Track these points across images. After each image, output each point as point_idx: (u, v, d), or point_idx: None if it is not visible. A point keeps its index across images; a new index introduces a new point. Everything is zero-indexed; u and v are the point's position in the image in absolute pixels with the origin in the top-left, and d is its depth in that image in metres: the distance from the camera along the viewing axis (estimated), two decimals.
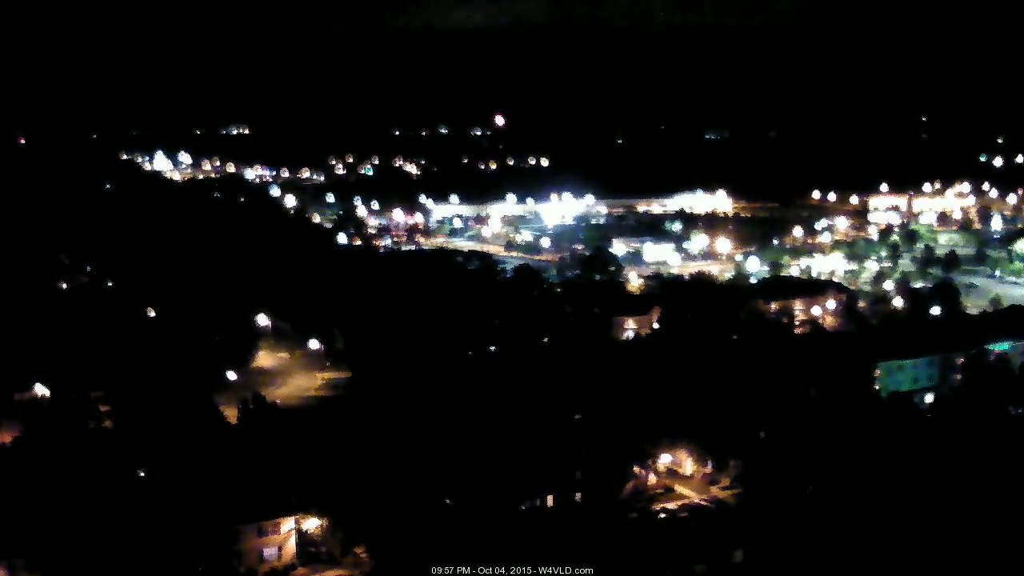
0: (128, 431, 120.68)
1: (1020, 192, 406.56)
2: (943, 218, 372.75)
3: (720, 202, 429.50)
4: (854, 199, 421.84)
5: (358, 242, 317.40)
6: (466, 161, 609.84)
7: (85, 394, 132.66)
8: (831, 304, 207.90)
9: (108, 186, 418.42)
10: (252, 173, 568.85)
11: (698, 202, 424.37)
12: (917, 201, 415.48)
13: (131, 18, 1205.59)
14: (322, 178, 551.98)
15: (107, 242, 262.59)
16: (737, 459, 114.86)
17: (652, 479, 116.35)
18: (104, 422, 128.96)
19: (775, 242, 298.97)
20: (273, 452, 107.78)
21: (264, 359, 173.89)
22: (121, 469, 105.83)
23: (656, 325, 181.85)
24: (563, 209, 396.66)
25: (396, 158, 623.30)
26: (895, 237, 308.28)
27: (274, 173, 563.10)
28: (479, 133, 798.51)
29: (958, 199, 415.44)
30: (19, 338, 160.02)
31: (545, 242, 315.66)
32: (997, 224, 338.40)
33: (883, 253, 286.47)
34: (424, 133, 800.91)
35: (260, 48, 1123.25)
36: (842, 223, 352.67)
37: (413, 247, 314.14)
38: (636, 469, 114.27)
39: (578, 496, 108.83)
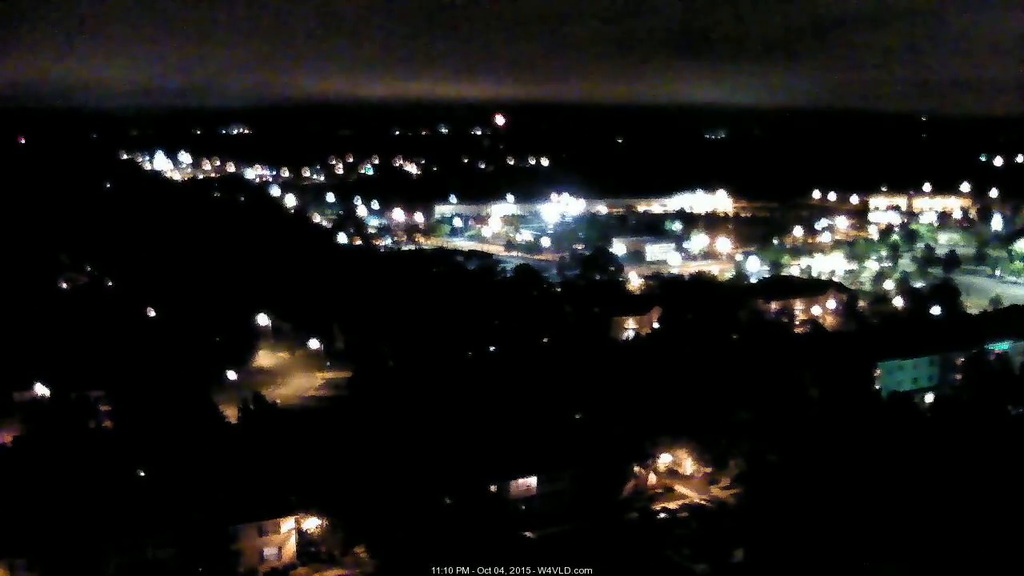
0: (128, 431, 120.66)
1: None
2: (943, 218, 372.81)
3: (720, 202, 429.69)
4: (854, 199, 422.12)
5: (358, 242, 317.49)
6: (466, 161, 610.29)
7: (85, 394, 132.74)
8: (831, 304, 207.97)
9: (108, 186, 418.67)
10: (252, 173, 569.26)
11: (698, 202, 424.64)
12: (917, 201, 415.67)
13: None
14: (322, 178, 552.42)
15: (107, 242, 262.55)
16: (737, 459, 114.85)
17: (652, 479, 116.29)
18: (104, 422, 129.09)
19: (775, 242, 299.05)
20: (273, 452, 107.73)
21: (264, 359, 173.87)
22: (121, 469, 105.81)
23: (656, 325, 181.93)
24: (563, 209, 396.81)
25: (396, 158, 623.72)
26: (895, 237, 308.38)
27: (274, 173, 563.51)
28: (479, 133, 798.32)
29: (958, 199, 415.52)
30: (19, 338, 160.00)
31: (545, 242, 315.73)
32: (997, 224, 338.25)
33: (883, 253, 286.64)
34: (424, 133, 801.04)
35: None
36: (842, 223, 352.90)
37: (413, 247, 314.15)
38: (636, 469, 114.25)
39: (578, 495, 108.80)
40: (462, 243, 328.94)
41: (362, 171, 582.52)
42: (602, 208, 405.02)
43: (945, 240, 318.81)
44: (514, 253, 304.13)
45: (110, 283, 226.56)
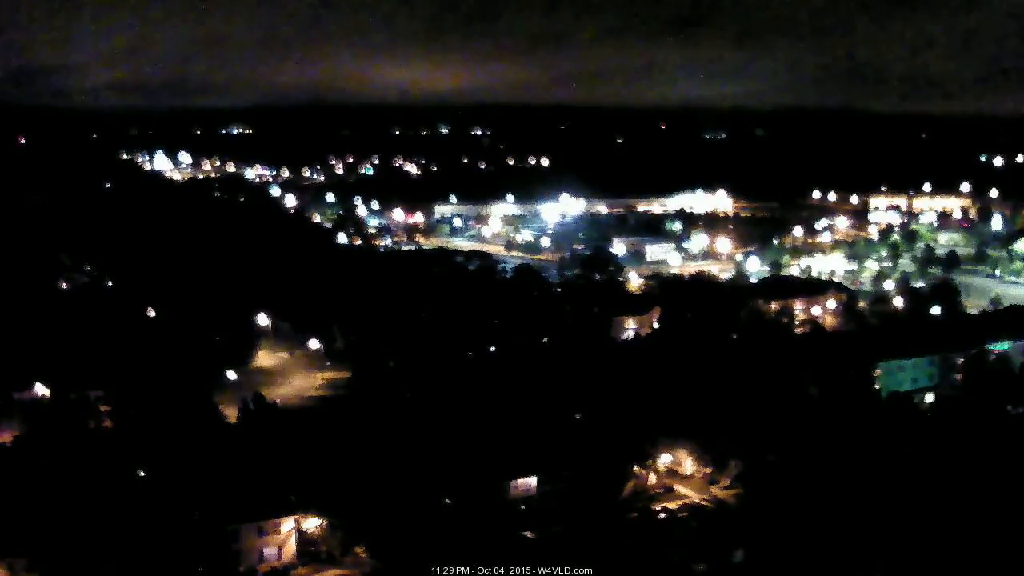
0: (128, 431, 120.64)
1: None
2: (943, 218, 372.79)
3: (720, 202, 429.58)
4: (854, 199, 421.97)
5: (358, 242, 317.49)
6: (466, 161, 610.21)
7: (85, 394, 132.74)
8: (831, 304, 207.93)
9: (108, 186, 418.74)
10: (252, 173, 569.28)
11: (698, 202, 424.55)
12: (917, 201, 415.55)
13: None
14: (322, 178, 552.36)
15: (107, 242, 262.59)
16: (737, 459, 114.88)
17: (652, 479, 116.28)
18: (104, 422, 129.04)
19: (775, 242, 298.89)
20: (273, 452, 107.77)
21: (264, 359, 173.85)
22: (121, 469, 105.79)
23: (656, 325, 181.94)
24: (563, 209, 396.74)
25: (396, 158, 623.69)
26: (895, 237, 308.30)
27: (274, 173, 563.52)
28: (479, 133, 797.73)
29: (958, 199, 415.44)
30: (19, 338, 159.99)
31: (545, 242, 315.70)
32: (997, 224, 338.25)
33: (883, 253, 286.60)
34: (424, 133, 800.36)
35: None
36: (842, 223, 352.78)
37: (413, 247, 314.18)
38: (636, 469, 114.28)
39: (578, 495, 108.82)
40: (462, 243, 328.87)
41: (362, 171, 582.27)
42: (602, 208, 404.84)
43: (945, 240, 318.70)
44: (514, 253, 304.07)
45: (110, 283, 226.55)
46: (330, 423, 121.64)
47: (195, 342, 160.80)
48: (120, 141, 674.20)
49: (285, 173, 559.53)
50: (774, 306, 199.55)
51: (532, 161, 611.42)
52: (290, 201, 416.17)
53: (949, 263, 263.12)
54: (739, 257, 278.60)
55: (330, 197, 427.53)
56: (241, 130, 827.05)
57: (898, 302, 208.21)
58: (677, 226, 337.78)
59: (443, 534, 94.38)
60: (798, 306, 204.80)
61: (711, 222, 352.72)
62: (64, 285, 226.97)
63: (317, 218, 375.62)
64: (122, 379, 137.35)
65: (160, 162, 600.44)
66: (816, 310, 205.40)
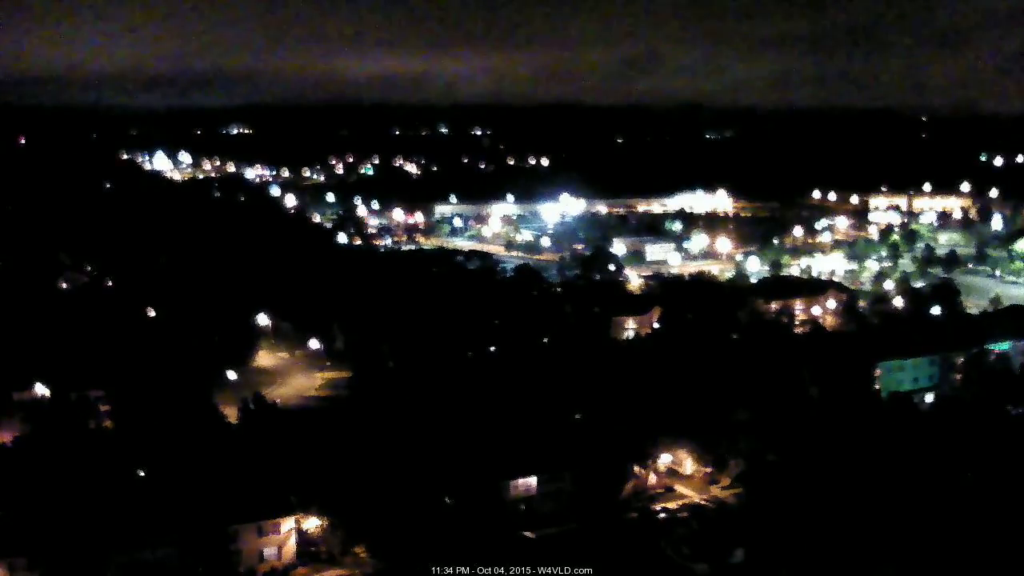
0: (128, 431, 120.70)
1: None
2: (943, 218, 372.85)
3: (720, 202, 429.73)
4: (854, 199, 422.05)
5: (358, 242, 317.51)
6: (466, 161, 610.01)
7: (85, 394, 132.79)
8: (831, 304, 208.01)
9: (108, 186, 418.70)
10: (252, 173, 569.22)
11: (698, 202, 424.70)
12: (917, 201, 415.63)
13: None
14: (322, 178, 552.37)
15: (107, 242, 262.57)
16: (737, 459, 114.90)
17: (652, 479, 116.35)
18: (104, 422, 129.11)
19: (775, 242, 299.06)
20: (273, 452, 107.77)
21: (264, 359, 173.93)
22: (121, 469, 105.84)
23: (656, 325, 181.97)
24: (563, 209, 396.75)
25: (396, 158, 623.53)
26: (895, 237, 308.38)
27: (274, 173, 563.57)
28: (479, 133, 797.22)
29: (958, 199, 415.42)
30: (19, 338, 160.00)
31: (545, 242, 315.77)
32: (997, 224, 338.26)
33: (883, 253, 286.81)
34: (424, 133, 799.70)
35: None
36: (842, 223, 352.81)
37: (413, 247, 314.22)
38: (636, 469, 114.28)
39: (578, 495, 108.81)
40: (462, 243, 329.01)
41: (362, 171, 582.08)
42: (602, 208, 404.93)
43: (945, 240, 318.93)
44: (514, 253, 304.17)
45: (110, 283, 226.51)
46: (330, 423, 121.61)
47: (195, 342, 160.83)
48: (120, 141, 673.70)
49: (285, 173, 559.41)
50: (774, 306, 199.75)
51: (532, 161, 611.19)
52: (290, 201, 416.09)
53: (949, 263, 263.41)
54: (739, 257, 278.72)
55: (330, 197, 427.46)
56: (241, 130, 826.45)
57: (898, 302, 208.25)
58: (677, 226, 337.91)
59: (443, 534, 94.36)
60: (798, 306, 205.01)
61: (711, 222, 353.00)
62: (64, 285, 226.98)
63: (317, 218, 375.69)
64: (122, 379, 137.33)
65: (160, 162, 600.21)
66: (816, 310, 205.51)
